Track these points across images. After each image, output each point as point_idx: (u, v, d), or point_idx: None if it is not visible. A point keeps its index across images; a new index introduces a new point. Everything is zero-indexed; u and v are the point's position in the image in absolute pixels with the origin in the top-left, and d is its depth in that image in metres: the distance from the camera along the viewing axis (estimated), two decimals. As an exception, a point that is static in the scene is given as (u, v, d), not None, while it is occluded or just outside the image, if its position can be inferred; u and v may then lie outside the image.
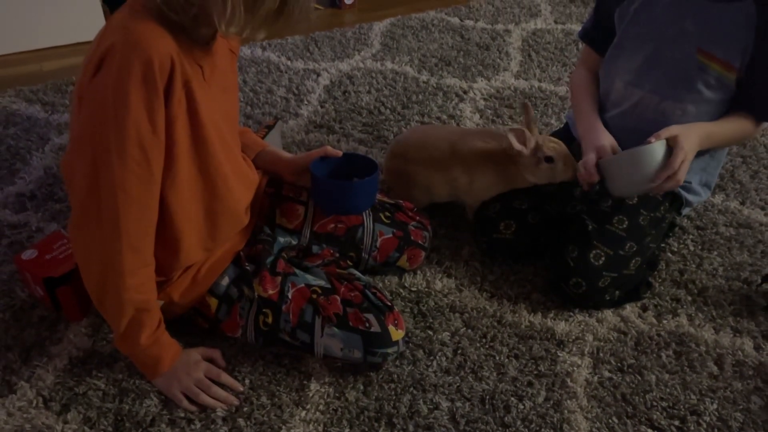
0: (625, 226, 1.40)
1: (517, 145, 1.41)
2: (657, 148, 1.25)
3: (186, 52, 0.98)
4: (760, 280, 1.46)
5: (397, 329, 1.22)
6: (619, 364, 1.30)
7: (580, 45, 2.41)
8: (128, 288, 1.05)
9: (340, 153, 1.33)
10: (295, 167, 1.35)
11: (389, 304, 1.24)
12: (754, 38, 1.27)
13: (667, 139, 1.25)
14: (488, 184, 1.52)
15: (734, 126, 1.36)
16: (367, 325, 1.19)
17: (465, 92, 2.13)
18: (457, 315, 1.39)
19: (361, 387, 1.24)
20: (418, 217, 1.47)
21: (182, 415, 1.17)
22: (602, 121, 1.47)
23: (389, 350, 1.21)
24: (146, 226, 1.04)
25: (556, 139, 1.45)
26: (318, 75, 2.19)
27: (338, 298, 1.22)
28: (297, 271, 1.27)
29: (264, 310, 1.21)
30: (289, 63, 2.26)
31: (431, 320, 1.37)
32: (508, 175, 1.50)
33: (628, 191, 1.33)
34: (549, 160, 1.42)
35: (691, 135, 1.26)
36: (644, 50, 1.38)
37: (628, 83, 1.42)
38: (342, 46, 2.37)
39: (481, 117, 2.02)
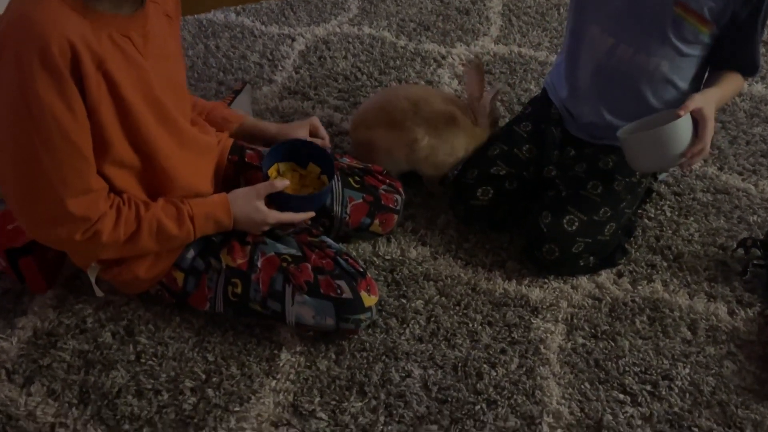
0: (599, 191, 1.39)
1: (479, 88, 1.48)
2: (685, 124, 1.19)
3: (102, 27, 0.94)
4: (735, 245, 1.45)
5: (369, 295, 1.20)
6: (592, 331, 1.30)
7: (561, 10, 2.37)
8: (98, 221, 1.02)
9: (325, 136, 1.35)
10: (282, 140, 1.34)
11: (362, 269, 1.22)
12: None
13: (691, 111, 1.20)
14: (452, 148, 1.50)
15: (733, 86, 1.34)
16: (339, 291, 1.17)
17: (443, 57, 2.09)
18: (431, 283, 1.37)
19: (333, 356, 1.22)
20: (388, 180, 1.44)
21: (149, 386, 1.15)
22: (575, 67, 1.44)
23: (362, 316, 1.20)
24: (85, 177, 1.01)
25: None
26: (293, 40, 2.13)
27: (309, 265, 1.20)
28: (267, 239, 1.25)
29: (233, 280, 1.19)
30: (263, 28, 2.19)
31: (405, 288, 1.36)
32: (471, 136, 1.52)
33: (656, 167, 1.29)
34: (496, 122, 1.57)
35: (711, 104, 1.22)
36: None
37: (603, 30, 1.37)
38: (318, 10, 2.31)
39: (459, 83, 1.98)
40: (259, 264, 1.19)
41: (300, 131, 1.38)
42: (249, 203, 1.18)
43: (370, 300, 1.19)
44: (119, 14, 0.97)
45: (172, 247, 1.17)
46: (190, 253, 1.21)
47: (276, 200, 1.21)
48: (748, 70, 1.34)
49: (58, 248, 1.12)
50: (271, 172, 1.28)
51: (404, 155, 1.50)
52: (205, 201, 1.16)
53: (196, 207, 1.13)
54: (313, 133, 1.41)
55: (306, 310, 1.18)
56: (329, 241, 1.28)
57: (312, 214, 1.25)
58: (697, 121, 1.20)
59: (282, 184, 1.19)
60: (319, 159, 1.30)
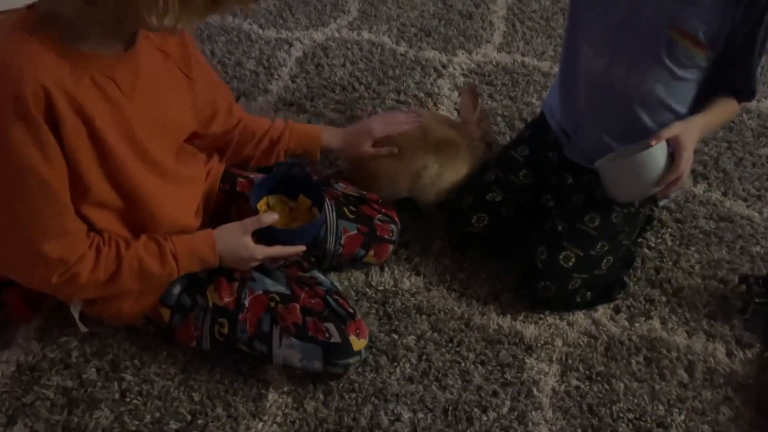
0: (596, 224, 1.35)
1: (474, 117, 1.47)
2: (659, 152, 1.17)
3: (84, 68, 0.90)
4: (737, 281, 1.42)
5: (359, 338, 1.17)
6: (587, 372, 1.27)
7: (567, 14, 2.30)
8: (76, 266, 0.99)
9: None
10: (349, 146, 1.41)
11: (351, 311, 1.19)
12: (733, 17, 1.18)
13: (667, 139, 1.18)
14: (456, 175, 1.47)
15: (723, 112, 1.30)
16: (327, 335, 1.14)
17: (444, 66, 2.03)
18: (423, 317, 1.34)
19: (321, 396, 1.20)
20: (384, 210, 1.41)
21: (133, 428, 1.13)
22: (571, 89, 1.41)
23: (350, 360, 1.17)
24: (62, 221, 0.98)
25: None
26: (290, 45, 2.08)
27: (297, 306, 1.17)
28: (255, 274, 1.22)
29: (219, 319, 1.16)
30: (260, 31, 2.13)
31: (397, 323, 1.33)
32: (468, 166, 1.49)
33: (630, 197, 1.28)
34: (490, 146, 1.51)
35: (691, 131, 1.20)
36: (616, 13, 1.29)
37: (596, 51, 1.33)
38: (318, 12, 2.25)
39: (459, 95, 1.93)
40: (246, 303, 1.16)
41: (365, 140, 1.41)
42: (235, 239, 1.14)
43: (359, 344, 1.17)
44: (105, 54, 0.93)
45: (157, 286, 1.14)
46: (176, 289, 1.18)
47: (265, 235, 1.17)
48: (744, 95, 1.30)
49: (37, 290, 1.09)
50: (261, 205, 1.25)
51: (408, 183, 1.46)
52: (189, 238, 1.12)
53: (180, 244, 1.10)
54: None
55: (293, 353, 1.15)
56: (320, 277, 1.25)
57: (302, 247, 1.22)
58: (674, 148, 1.17)
59: (270, 218, 1.15)
60: (309, 191, 1.27)
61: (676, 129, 1.19)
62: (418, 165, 1.44)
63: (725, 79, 1.27)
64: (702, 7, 1.18)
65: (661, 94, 1.28)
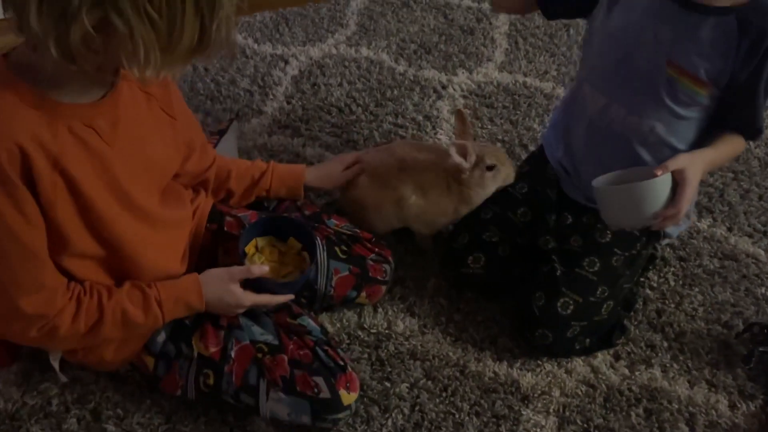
0: (596, 268, 1.31)
1: (457, 158, 1.30)
2: (663, 183, 1.11)
3: (61, 119, 0.86)
4: (741, 328, 1.37)
5: (349, 393, 1.13)
6: (585, 425, 1.23)
7: (571, 30, 2.25)
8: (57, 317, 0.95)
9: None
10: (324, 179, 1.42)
11: (342, 363, 1.14)
12: (735, 56, 1.13)
13: (672, 172, 1.12)
14: (443, 206, 1.40)
15: (730, 148, 1.25)
16: (316, 390, 1.10)
17: (444, 87, 1.98)
18: (417, 363, 1.30)
19: (310, 451, 1.16)
20: (377, 249, 1.37)
21: (114, 486, 1.09)
22: (570, 125, 1.38)
23: (340, 415, 1.13)
24: (39, 276, 0.94)
25: (489, 144, 1.35)
26: (286, 63, 2.02)
27: (286, 357, 1.12)
28: (243, 321, 1.17)
29: (205, 370, 1.12)
30: (256, 46, 2.08)
31: (389, 369, 1.29)
32: (459, 194, 1.39)
33: (623, 225, 1.21)
34: (491, 168, 1.36)
35: (698, 166, 1.14)
36: (615, 53, 1.25)
37: (596, 89, 1.29)
38: (315, 26, 2.19)
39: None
40: (232, 354, 1.12)
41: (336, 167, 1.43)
42: (222, 286, 1.10)
43: (349, 398, 1.12)
44: (83, 102, 0.89)
45: (140, 334, 1.10)
46: (161, 337, 1.13)
47: (252, 283, 1.13)
48: (750, 134, 1.25)
49: (16, 342, 1.05)
50: (249, 248, 1.20)
51: (393, 212, 1.42)
52: (174, 284, 1.08)
53: (164, 291, 1.06)
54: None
55: (280, 408, 1.11)
56: (310, 325, 1.20)
57: (291, 296, 1.18)
58: (677, 182, 1.12)
59: (259, 270, 1.11)
60: (300, 234, 1.22)
61: (682, 161, 1.13)
62: (397, 194, 1.39)
63: (730, 117, 1.23)
64: (701, 45, 1.14)
65: (662, 133, 1.24)
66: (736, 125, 1.24)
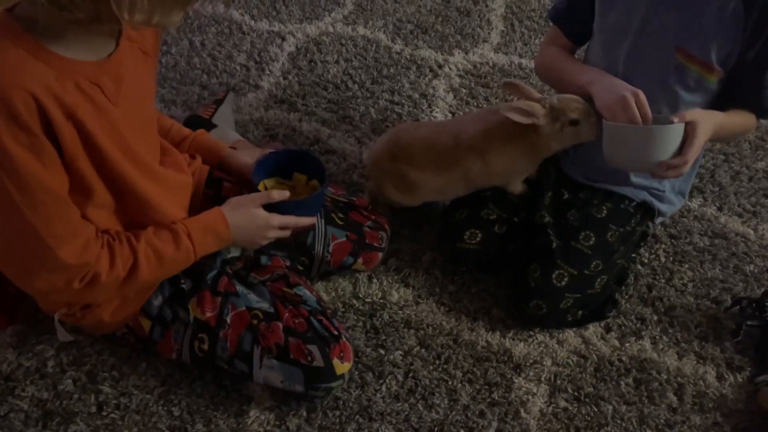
0: (591, 243, 1.32)
1: (525, 120, 1.25)
2: (677, 131, 1.12)
3: (69, 75, 0.86)
4: (730, 303, 1.40)
5: (342, 362, 1.13)
6: (576, 393, 1.25)
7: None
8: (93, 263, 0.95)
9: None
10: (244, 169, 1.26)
11: (336, 333, 1.15)
12: (742, 38, 1.15)
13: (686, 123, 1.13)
14: (509, 160, 1.35)
15: (741, 119, 1.27)
16: (309, 358, 1.11)
17: (440, 66, 1.99)
18: (411, 332, 1.31)
19: (304, 413, 1.18)
20: (374, 216, 1.38)
21: (110, 444, 1.10)
22: None
23: (333, 384, 1.14)
24: (73, 225, 0.94)
25: (575, 97, 1.28)
26: (283, 39, 2.02)
27: (280, 325, 1.13)
28: (240, 289, 1.18)
29: (200, 335, 1.13)
30: (252, 23, 2.07)
31: (384, 337, 1.30)
32: (529, 145, 1.32)
33: (626, 166, 1.22)
34: (574, 122, 1.27)
35: (708, 123, 1.16)
36: (622, 44, 1.26)
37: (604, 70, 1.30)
38: (312, 4, 2.19)
39: (455, 97, 1.89)
40: (228, 319, 1.13)
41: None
42: (247, 210, 1.11)
43: (342, 367, 1.13)
44: (88, 60, 0.89)
45: (177, 272, 1.10)
46: (158, 300, 1.14)
47: (272, 211, 1.13)
48: (759, 113, 1.28)
49: (54, 299, 1.06)
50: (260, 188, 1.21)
51: (464, 186, 1.40)
52: (199, 217, 1.09)
53: (191, 223, 1.06)
54: None
55: (274, 375, 1.12)
56: (305, 295, 1.21)
57: (314, 220, 1.20)
58: (687, 134, 1.14)
59: (281, 195, 1.12)
60: (302, 165, 1.23)
61: (697, 115, 1.14)
62: (461, 169, 1.36)
63: (739, 97, 1.25)
64: (708, 29, 1.15)
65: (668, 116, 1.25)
66: (746, 104, 1.25)
